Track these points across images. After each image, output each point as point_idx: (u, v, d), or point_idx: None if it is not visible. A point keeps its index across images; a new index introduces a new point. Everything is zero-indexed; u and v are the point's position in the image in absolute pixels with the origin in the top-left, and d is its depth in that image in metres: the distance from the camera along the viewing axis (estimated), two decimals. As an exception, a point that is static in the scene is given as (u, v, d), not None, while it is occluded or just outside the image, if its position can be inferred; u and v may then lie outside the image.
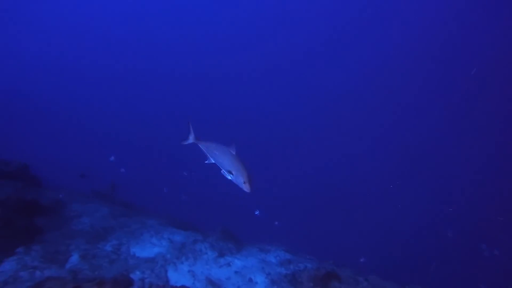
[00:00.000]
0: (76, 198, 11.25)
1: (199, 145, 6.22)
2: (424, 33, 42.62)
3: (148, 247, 9.16)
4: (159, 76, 54.01)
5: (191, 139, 6.31)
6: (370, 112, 46.02)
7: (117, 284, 6.06)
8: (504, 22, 36.23)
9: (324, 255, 10.09)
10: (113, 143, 39.18)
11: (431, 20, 41.37)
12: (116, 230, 9.74)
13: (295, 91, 50.44)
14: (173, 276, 8.11)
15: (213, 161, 5.79)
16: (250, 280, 8.37)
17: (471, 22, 38.58)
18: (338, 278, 6.66)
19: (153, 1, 53.97)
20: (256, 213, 14.50)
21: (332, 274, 6.59)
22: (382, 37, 45.48)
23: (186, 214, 13.44)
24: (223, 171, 5.36)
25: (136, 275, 7.78)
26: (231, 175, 5.16)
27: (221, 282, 8.23)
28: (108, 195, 12.12)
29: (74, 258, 7.94)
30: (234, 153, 5.25)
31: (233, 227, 11.81)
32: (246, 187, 4.93)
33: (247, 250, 9.84)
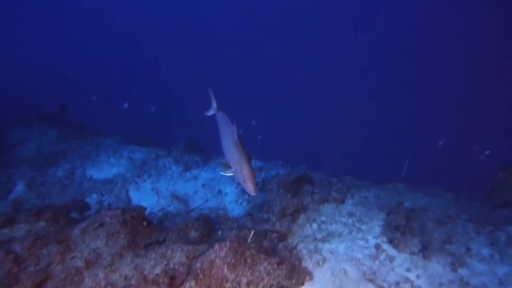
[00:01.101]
0: (18, 123, 9.97)
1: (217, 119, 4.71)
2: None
3: (106, 168, 8.37)
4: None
5: (212, 110, 4.82)
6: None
7: (62, 211, 5.29)
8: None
9: (299, 162, 9.57)
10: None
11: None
12: (68, 153, 8.78)
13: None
14: (135, 196, 7.51)
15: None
16: (220, 191, 7.92)
17: None
18: (310, 181, 6.19)
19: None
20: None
21: (304, 178, 6.08)
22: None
23: (149, 131, 12.51)
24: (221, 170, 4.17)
25: (92, 199, 7.12)
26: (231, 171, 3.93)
27: (188, 196, 7.74)
28: (57, 118, 10.83)
29: (19, 188, 7.09)
30: (235, 135, 3.90)
31: (203, 142, 11.15)
32: (247, 187, 3.67)
33: (215, 162, 9.25)
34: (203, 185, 8.08)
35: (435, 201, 6.14)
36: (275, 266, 3.86)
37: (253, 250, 4.06)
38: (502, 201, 6.49)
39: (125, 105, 13.40)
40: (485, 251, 4.59)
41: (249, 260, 3.92)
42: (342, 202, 5.39)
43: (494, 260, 4.45)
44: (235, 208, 7.42)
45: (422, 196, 6.34)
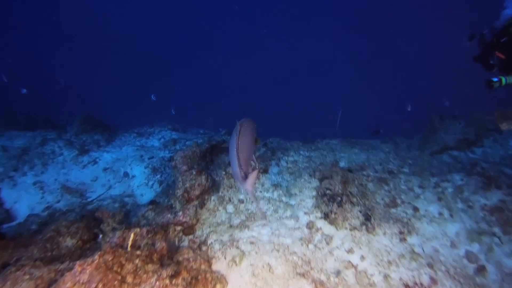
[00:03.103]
0: None
1: None
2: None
3: (-32, 164, 6.40)
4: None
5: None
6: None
7: None
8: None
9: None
10: None
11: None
12: None
13: None
14: (10, 195, 5.75)
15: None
16: (126, 174, 6.44)
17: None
18: (227, 150, 4.97)
19: None
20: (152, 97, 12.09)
21: (219, 146, 4.86)
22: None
23: (41, 110, 10.31)
24: None
25: None
26: None
27: (85, 186, 6.17)
28: None
29: None
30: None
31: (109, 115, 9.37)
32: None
33: (121, 139, 7.66)
34: (105, 169, 6.53)
35: (373, 155, 5.33)
36: (167, 281, 2.66)
37: (137, 260, 2.81)
38: (439, 146, 5.93)
39: (23, 91, 11.09)
40: (433, 209, 3.83)
41: (129, 279, 2.67)
42: (265, 171, 4.30)
43: (444, 219, 3.70)
44: (145, 192, 6.05)
45: (359, 151, 5.50)
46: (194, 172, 3.82)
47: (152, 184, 6.18)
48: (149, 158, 6.80)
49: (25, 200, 5.65)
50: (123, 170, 6.52)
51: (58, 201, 5.72)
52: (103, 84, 35.30)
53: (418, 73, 33.17)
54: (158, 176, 6.35)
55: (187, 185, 3.74)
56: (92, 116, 7.88)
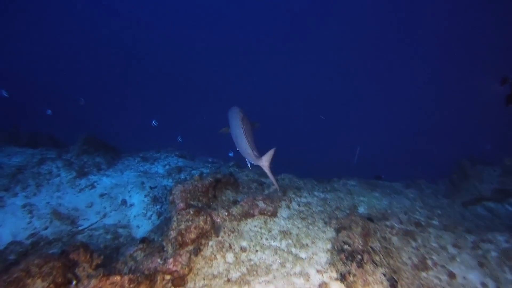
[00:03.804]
0: None
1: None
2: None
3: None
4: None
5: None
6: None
7: None
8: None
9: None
10: None
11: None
12: None
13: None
14: (-4, 218, 5.31)
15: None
16: (124, 202, 5.96)
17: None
18: (234, 185, 4.49)
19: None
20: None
21: (225, 180, 4.36)
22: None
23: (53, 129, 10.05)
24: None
25: None
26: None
27: (78, 212, 5.69)
28: None
29: None
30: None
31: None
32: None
33: (124, 163, 7.23)
34: (102, 195, 6.06)
35: (396, 201, 4.72)
36: None
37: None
38: (473, 195, 5.29)
39: (48, 112, 10.98)
40: (474, 277, 3.18)
41: None
42: (274, 214, 3.74)
43: (488, 291, 3.04)
44: (142, 223, 5.54)
45: (380, 195, 4.90)
46: (191, 212, 3.29)
47: (151, 216, 5.67)
48: (150, 187, 6.32)
49: (10, 225, 5.18)
50: (121, 197, 6.05)
51: (46, 228, 5.24)
52: (116, 105, 35.77)
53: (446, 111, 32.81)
54: (158, 206, 5.85)
55: (182, 226, 3.21)
56: (96, 137, 7.51)
